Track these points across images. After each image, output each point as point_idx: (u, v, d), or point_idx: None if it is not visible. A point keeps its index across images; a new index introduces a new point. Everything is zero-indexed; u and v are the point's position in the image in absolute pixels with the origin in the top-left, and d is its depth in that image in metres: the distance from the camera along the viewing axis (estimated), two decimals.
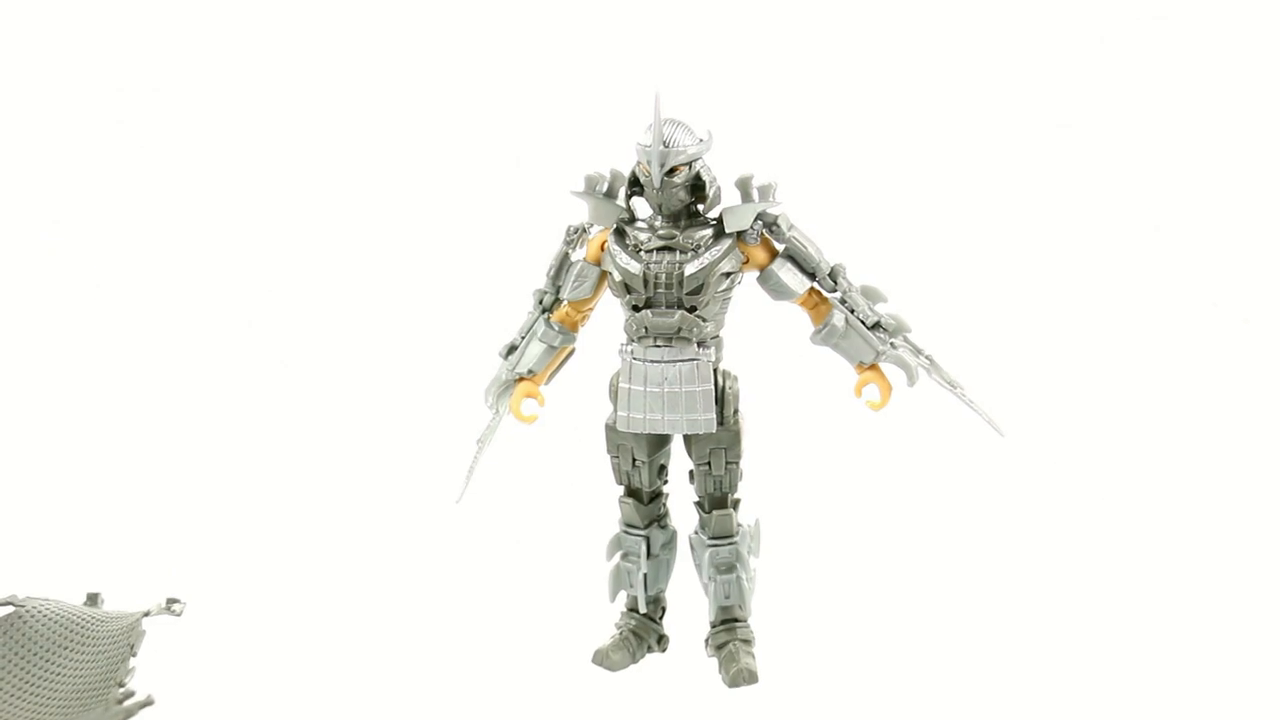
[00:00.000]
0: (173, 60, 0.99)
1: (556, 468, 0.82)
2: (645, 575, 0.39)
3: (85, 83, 0.98)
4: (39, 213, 0.99)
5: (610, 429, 0.36)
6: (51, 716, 0.54)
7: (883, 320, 0.46)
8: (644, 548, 0.39)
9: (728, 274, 0.42)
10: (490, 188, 0.97)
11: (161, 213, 0.99)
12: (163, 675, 0.61)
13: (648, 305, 0.39)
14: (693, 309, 0.40)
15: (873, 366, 0.39)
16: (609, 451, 0.39)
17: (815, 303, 0.40)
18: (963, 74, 0.96)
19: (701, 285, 0.41)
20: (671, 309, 0.38)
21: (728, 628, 0.48)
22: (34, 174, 0.97)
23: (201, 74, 1.00)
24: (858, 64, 0.96)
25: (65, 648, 0.55)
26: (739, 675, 0.47)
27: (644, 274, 0.41)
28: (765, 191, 0.43)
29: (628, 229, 0.42)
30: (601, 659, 0.44)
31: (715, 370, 0.46)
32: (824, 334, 0.40)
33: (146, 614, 0.59)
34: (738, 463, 0.39)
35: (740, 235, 0.41)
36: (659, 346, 0.39)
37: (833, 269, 0.41)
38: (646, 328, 0.39)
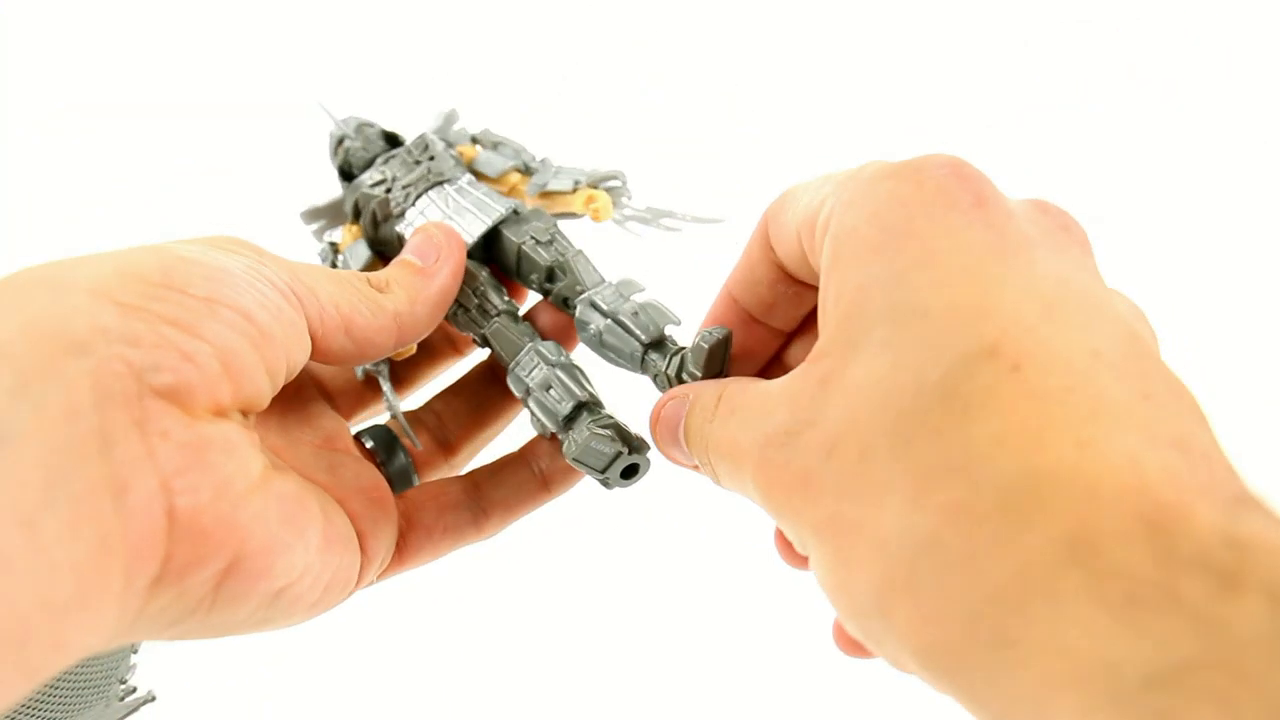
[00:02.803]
0: (167, 58, 1.00)
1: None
2: (560, 379, 0.33)
3: (84, 82, 0.99)
4: (45, 215, 1.00)
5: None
6: (53, 713, 0.55)
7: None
8: (539, 357, 0.32)
9: (443, 142, 0.42)
10: None
11: (159, 210, 0.99)
12: (164, 672, 0.62)
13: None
14: (431, 158, 0.41)
15: (591, 187, 0.37)
16: (451, 315, 0.34)
17: (514, 185, 0.39)
18: (952, 69, 0.97)
19: (425, 144, 0.41)
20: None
21: (661, 350, 0.33)
22: (33, 177, 0.98)
23: (196, 72, 1.00)
24: (844, 62, 0.97)
25: None
26: (707, 335, 0.31)
27: (381, 172, 0.41)
28: (448, 123, 0.44)
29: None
30: (580, 452, 0.32)
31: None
32: (535, 179, 0.38)
33: None
34: (559, 232, 0.34)
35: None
36: (423, 194, 0.38)
37: (542, 160, 0.40)
38: (404, 189, 0.38)
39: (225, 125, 0.97)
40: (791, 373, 0.24)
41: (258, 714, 0.64)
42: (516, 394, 0.34)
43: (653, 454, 0.32)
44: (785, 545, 0.31)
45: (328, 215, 0.42)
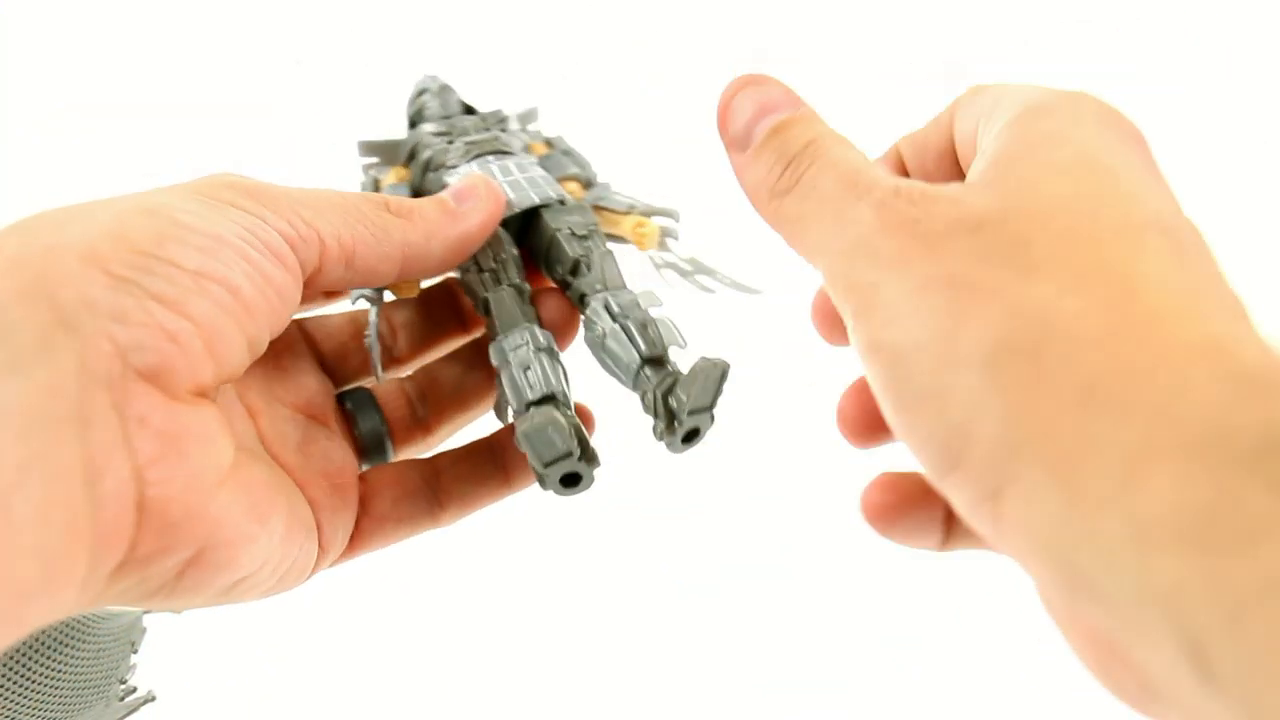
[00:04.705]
0: (164, 60, 1.00)
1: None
2: (542, 365, 0.31)
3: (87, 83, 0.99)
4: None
5: None
6: (53, 713, 0.55)
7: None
8: (529, 337, 0.31)
9: (519, 125, 0.42)
10: None
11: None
12: (164, 672, 0.62)
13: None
14: (503, 130, 0.41)
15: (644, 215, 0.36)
16: (464, 269, 0.33)
17: (570, 193, 0.38)
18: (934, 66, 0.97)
19: (503, 118, 0.41)
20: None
21: (660, 369, 0.31)
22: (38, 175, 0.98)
23: (196, 72, 1.00)
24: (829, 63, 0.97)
25: (66, 645, 0.55)
26: (705, 364, 0.30)
27: (450, 124, 0.41)
28: (528, 116, 0.44)
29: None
30: (533, 430, 0.29)
31: None
32: (593, 192, 0.38)
33: (148, 611, 0.60)
34: (599, 232, 0.35)
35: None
36: (482, 156, 0.38)
37: (604, 184, 0.40)
38: (466, 145, 0.37)
39: (225, 125, 0.97)
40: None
41: (258, 714, 0.64)
42: (494, 363, 0.32)
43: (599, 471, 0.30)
44: (824, 315, 0.31)
45: (382, 153, 0.42)
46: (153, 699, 0.61)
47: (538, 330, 0.32)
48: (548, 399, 0.30)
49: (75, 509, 0.21)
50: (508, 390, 0.31)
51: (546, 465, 0.29)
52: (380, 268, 0.29)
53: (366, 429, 0.35)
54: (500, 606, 0.75)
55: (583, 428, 0.30)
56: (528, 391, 0.30)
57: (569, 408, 0.31)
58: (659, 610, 0.72)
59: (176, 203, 0.25)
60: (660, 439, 0.30)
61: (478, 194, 0.32)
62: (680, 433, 0.29)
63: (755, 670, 0.69)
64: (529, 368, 0.31)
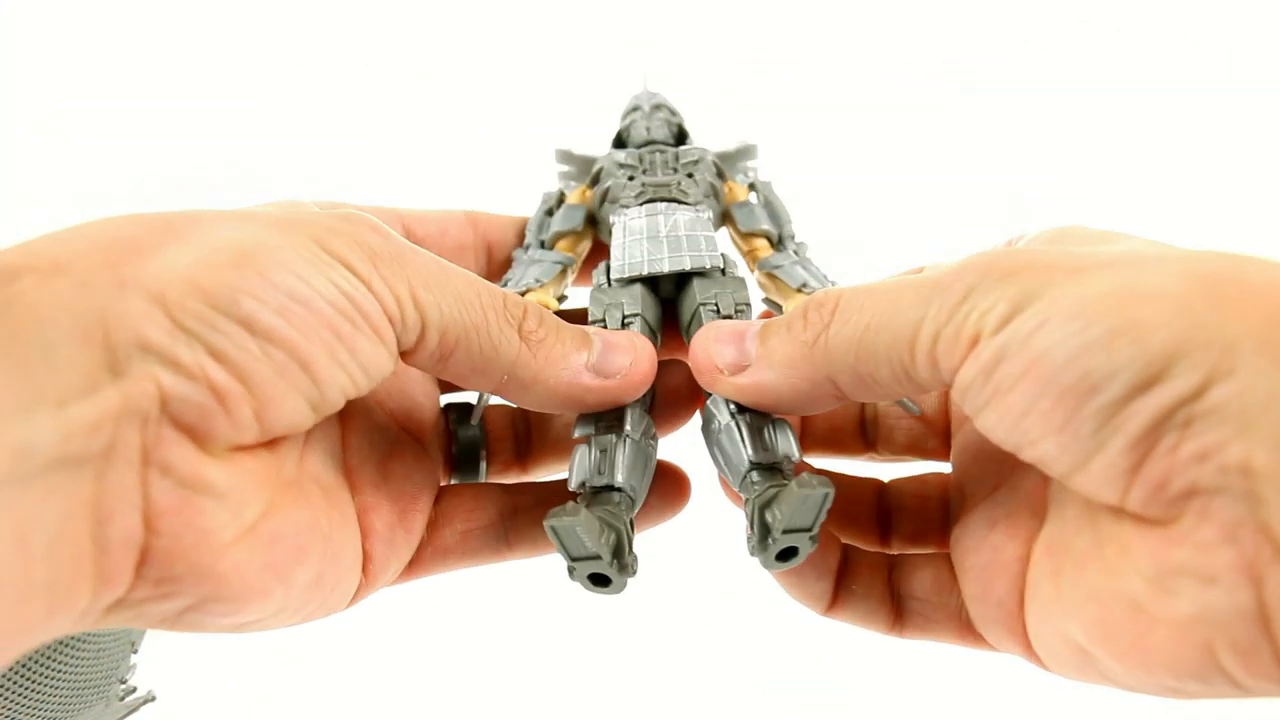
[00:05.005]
0: (164, 58, 1.00)
1: None
2: (619, 456, 0.29)
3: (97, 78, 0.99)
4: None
5: (597, 290, 0.31)
6: (53, 713, 0.55)
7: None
8: (623, 417, 0.30)
9: (716, 169, 0.39)
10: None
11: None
12: (165, 672, 0.62)
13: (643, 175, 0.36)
14: (690, 175, 0.38)
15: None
16: (593, 317, 0.33)
17: (755, 248, 0.37)
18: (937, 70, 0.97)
19: (697, 159, 0.39)
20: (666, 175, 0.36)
21: (770, 477, 0.29)
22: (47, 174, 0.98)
23: (196, 72, 1.00)
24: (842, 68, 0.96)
25: (66, 645, 0.55)
26: (806, 483, 0.27)
27: (639, 157, 0.39)
28: (742, 154, 0.42)
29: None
30: (562, 527, 0.28)
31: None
32: (772, 258, 0.36)
33: None
34: (749, 311, 0.33)
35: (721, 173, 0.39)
36: (654, 202, 0.36)
37: (798, 243, 0.38)
38: (644, 185, 0.36)
39: (225, 125, 0.97)
40: None
41: (258, 714, 0.64)
42: (575, 433, 0.30)
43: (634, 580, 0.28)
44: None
45: (576, 165, 0.40)
46: (153, 699, 0.61)
47: (639, 412, 0.30)
48: (610, 490, 0.28)
49: (80, 548, 0.21)
50: (575, 462, 0.29)
51: (573, 559, 0.27)
52: (472, 379, 0.27)
53: (464, 448, 0.33)
54: (499, 607, 0.75)
55: (627, 533, 0.27)
56: (595, 475, 0.28)
57: (631, 507, 0.29)
58: (659, 610, 0.72)
59: (278, 249, 0.24)
60: (753, 554, 0.28)
61: (620, 366, 0.29)
62: (773, 550, 0.27)
63: (755, 670, 0.68)
64: (605, 451, 0.29)
